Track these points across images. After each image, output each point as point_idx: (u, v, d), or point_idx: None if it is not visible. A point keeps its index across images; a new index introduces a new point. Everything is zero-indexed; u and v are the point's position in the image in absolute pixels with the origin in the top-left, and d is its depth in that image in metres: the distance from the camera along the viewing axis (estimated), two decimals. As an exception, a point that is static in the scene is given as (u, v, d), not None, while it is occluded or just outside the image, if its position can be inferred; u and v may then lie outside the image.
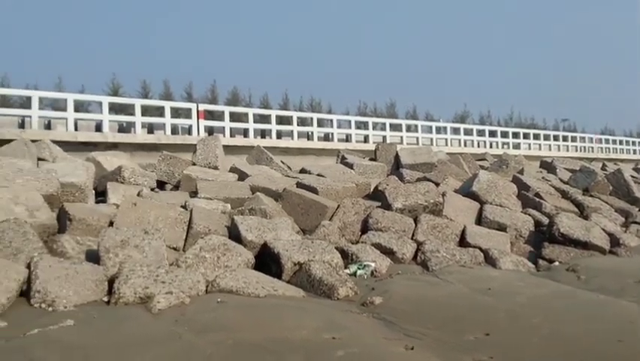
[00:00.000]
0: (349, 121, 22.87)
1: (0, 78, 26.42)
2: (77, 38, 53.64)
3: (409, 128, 24.91)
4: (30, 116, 14.86)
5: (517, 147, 28.80)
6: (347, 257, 6.89)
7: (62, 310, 4.88)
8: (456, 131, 27.23)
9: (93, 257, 6.01)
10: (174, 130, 17.44)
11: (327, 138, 21.32)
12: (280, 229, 7.13)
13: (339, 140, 21.18)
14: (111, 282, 5.42)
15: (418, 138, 24.20)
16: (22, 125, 15.00)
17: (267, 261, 6.56)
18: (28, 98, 15.66)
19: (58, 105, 20.80)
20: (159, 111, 19.12)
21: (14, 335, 4.19)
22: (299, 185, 9.25)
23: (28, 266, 5.33)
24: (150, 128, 17.20)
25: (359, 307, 5.48)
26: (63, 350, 3.81)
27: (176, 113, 18.56)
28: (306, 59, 69.14)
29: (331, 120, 22.06)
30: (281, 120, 20.58)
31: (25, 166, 8.06)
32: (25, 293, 5.20)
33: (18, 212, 6.31)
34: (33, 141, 10.38)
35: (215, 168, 10.18)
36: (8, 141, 10.93)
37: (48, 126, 15.40)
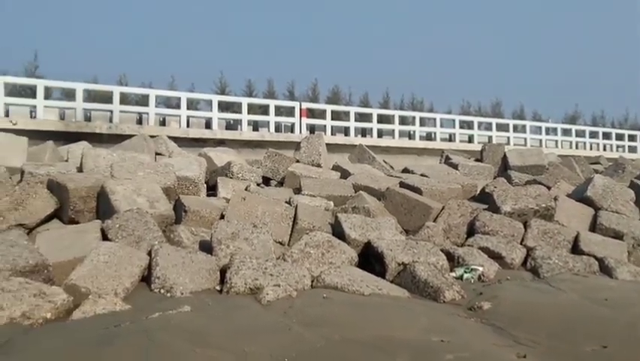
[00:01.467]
0: (453, 120, 22.36)
1: (119, 77, 28.47)
2: (188, 39, 56.33)
3: (516, 129, 23.98)
4: (147, 113, 15.85)
5: (633, 150, 26.86)
6: (453, 260, 6.75)
7: (179, 296, 5.18)
8: (567, 132, 25.84)
9: (206, 247, 6.32)
10: (277, 128, 17.90)
11: (429, 137, 21.00)
12: (384, 229, 7.12)
13: (442, 139, 20.78)
14: (223, 272, 5.68)
15: (525, 139, 23.23)
16: (139, 122, 16.04)
17: (370, 260, 6.57)
18: (146, 96, 16.71)
19: (171, 103, 22.06)
20: (262, 109, 19.75)
21: (138, 317, 4.49)
22: (402, 185, 9.18)
23: (149, 253, 5.70)
24: (255, 126, 17.78)
25: (466, 311, 5.35)
26: (182, 334, 4.02)
27: (279, 111, 19.04)
28: (406, 58, 68.41)
29: (434, 119, 21.71)
30: (381, 119, 20.53)
31: (145, 160, 8.63)
32: (145, 279, 5.57)
33: (140, 203, 6.75)
34: (151, 136, 11.06)
35: (319, 165, 10.33)
36: (128, 137, 11.74)
37: (163, 123, 16.35)
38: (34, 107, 14.76)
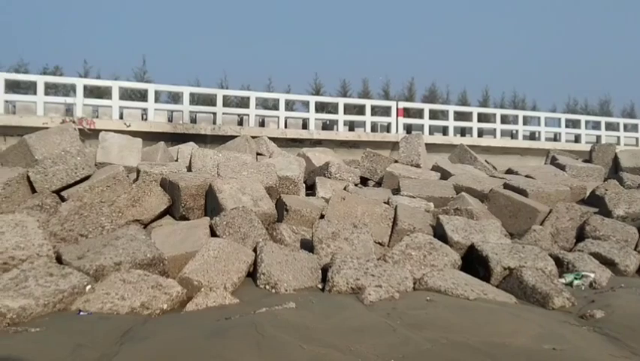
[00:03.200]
0: (558, 119, 21.26)
1: (220, 80, 29.63)
2: (282, 41, 57.61)
3: (626, 128, 22.42)
4: (248, 115, 16.36)
5: None
6: (562, 265, 6.44)
7: (284, 293, 5.32)
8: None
9: (307, 246, 6.44)
10: (374, 128, 17.86)
11: (532, 136, 20.12)
12: (488, 231, 6.93)
13: (547, 139, 19.83)
14: (324, 270, 5.76)
15: (637, 139, 21.66)
16: (240, 123, 16.58)
17: (473, 263, 6.41)
18: (246, 99, 17.27)
19: (267, 104, 22.63)
20: (357, 109, 19.76)
21: (246, 311, 4.66)
22: (506, 186, 8.88)
23: (254, 250, 5.91)
24: (351, 126, 17.84)
25: (577, 319, 5.09)
26: (289, 329, 4.13)
27: (374, 110, 18.97)
28: (507, 54, 65.94)
29: (538, 118, 20.75)
30: (482, 118, 19.92)
31: (247, 160, 8.93)
32: (251, 274, 5.77)
33: (245, 201, 7.00)
34: (252, 137, 11.42)
35: (418, 166, 10.22)
36: (230, 137, 12.20)
37: (262, 124, 16.80)
38: (145, 109, 15.67)
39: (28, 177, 7.65)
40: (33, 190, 7.63)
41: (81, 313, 4.56)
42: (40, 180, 7.61)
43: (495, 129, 19.23)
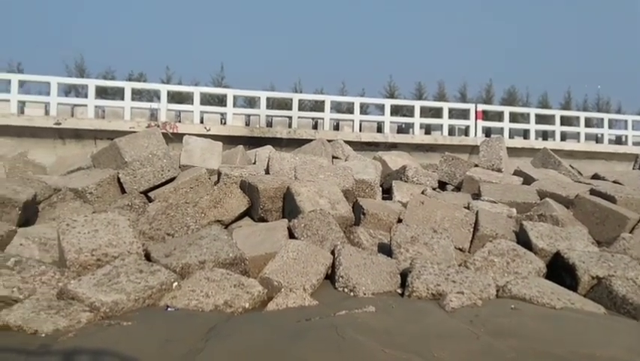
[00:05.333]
0: (647, 122, 20.12)
1: (294, 85, 30.06)
2: (357, 44, 57.62)
3: None
4: (322, 119, 16.50)
5: None
6: (656, 276, 6.05)
7: (362, 297, 5.31)
8: None
9: (385, 250, 6.40)
10: (451, 131, 17.54)
11: (618, 140, 19.11)
12: (574, 239, 6.63)
13: (635, 143, 18.78)
14: (403, 275, 5.70)
15: None
16: (315, 127, 16.75)
17: (559, 271, 6.15)
18: (321, 102, 17.42)
19: (341, 108, 22.70)
20: (432, 112, 19.48)
21: (325, 313, 4.68)
22: (592, 192, 8.46)
23: (332, 253, 5.93)
24: (427, 129, 17.61)
25: (674, 333, 4.77)
26: (370, 333, 4.12)
27: (450, 113, 18.62)
28: (589, 55, 63.00)
29: (624, 121, 19.70)
30: (564, 121, 19.12)
31: (323, 163, 8.99)
32: (329, 276, 5.80)
33: (322, 204, 7.05)
34: (328, 140, 11.49)
35: (499, 170, 9.93)
36: (305, 141, 12.34)
37: (336, 127, 16.90)
38: (224, 114, 16.14)
39: (118, 178, 8.06)
40: (123, 191, 8.03)
41: (168, 309, 4.74)
42: (129, 181, 8.01)
43: (579, 133, 18.42)
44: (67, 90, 20.48)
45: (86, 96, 15.54)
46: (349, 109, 19.41)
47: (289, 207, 7.28)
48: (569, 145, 17.71)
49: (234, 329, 4.27)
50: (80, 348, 3.74)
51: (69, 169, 9.12)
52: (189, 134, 10.76)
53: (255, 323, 4.45)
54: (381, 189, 9.28)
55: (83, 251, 5.31)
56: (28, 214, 6.96)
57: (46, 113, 14.60)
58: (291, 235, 6.44)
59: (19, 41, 43.37)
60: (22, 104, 14.60)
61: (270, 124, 16.40)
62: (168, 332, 4.17)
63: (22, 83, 15.24)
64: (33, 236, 6.14)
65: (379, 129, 17.10)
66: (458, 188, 9.76)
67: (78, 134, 14.28)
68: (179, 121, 15.54)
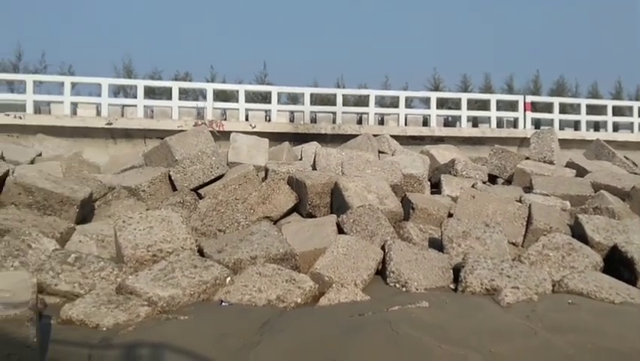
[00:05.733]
0: None
1: (337, 80, 30.00)
2: (400, 38, 57.07)
3: None
4: (367, 113, 16.42)
5: None
6: None
7: (414, 292, 5.27)
8: None
9: (435, 245, 6.33)
10: (499, 123, 17.18)
11: (675, 130, 18.31)
12: (632, 232, 6.42)
13: (693, 133, 17.98)
14: (455, 270, 5.63)
15: None
16: (359, 122, 16.67)
17: (616, 265, 5.97)
18: (365, 97, 17.35)
19: (384, 102, 22.54)
20: (478, 104, 19.08)
21: (378, 308, 4.67)
22: (650, 184, 8.16)
23: (382, 248, 5.90)
24: (474, 122, 17.29)
25: None
26: (424, 328, 4.08)
27: (498, 105, 18.22)
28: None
29: (682, 110, 18.85)
30: (615, 111, 18.45)
31: (370, 158, 8.95)
32: (380, 272, 5.78)
33: (370, 199, 7.02)
34: (374, 135, 11.43)
35: (551, 162, 9.68)
36: (349, 136, 12.30)
37: (381, 122, 16.77)
38: (268, 111, 16.25)
39: (169, 176, 8.23)
40: (174, 188, 8.20)
41: (223, 303, 4.81)
42: (180, 179, 8.17)
43: (632, 123, 17.77)
44: (116, 91, 21.01)
45: (134, 96, 15.89)
46: (393, 103, 19.19)
47: (337, 203, 7.28)
48: (622, 136, 17.07)
49: (288, 323, 4.31)
50: (141, 342, 3.84)
51: (122, 168, 9.36)
52: (235, 131, 10.88)
53: (309, 317, 4.47)
54: (429, 183, 9.18)
55: (139, 247, 5.45)
56: (85, 212, 7.18)
57: (98, 113, 14.99)
58: (340, 231, 6.43)
59: (69, 44, 44.74)
60: (74, 106, 15.05)
61: (314, 120, 16.41)
62: (224, 326, 4.24)
63: (73, 85, 15.71)
64: (91, 233, 6.34)
65: (425, 123, 16.88)
66: (509, 181, 9.58)
67: (128, 134, 14.61)
68: (225, 119, 15.71)
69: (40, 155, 10.37)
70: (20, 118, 13.83)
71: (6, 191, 6.74)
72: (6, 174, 6.88)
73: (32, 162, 9.68)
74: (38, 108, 14.91)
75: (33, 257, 5.35)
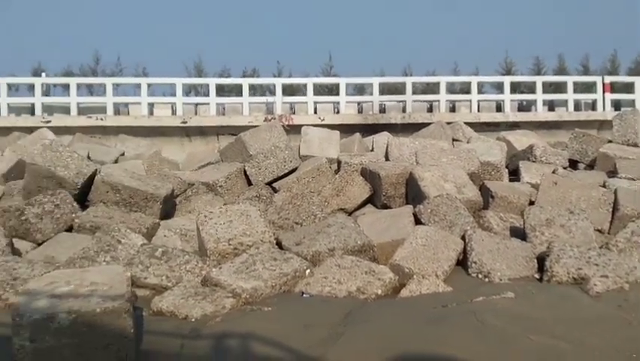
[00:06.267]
0: None
1: (404, 68, 29.70)
2: (471, 23, 55.53)
3: None
4: (438, 101, 16.13)
5: None
6: None
7: (498, 282, 5.15)
8: None
9: (517, 234, 6.16)
10: (576, 106, 16.45)
11: None
12: None
13: None
14: (539, 259, 5.45)
15: None
16: (430, 110, 16.41)
17: None
18: (436, 84, 17.06)
19: (454, 89, 22.06)
20: (553, 87, 18.35)
21: (461, 299, 4.59)
22: None
23: (463, 238, 5.79)
24: (550, 106, 16.64)
25: None
26: (511, 319, 3.98)
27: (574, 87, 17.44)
28: None
29: None
30: None
31: (445, 146, 8.80)
32: (460, 262, 5.67)
33: (447, 188, 6.90)
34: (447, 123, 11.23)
35: (635, 145, 9.18)
36: (420, 125, 12.13)
37: (452, 109, 16.44)
38: (337, 103, 16.28)
39: (244, 171, 8.42)
40: (249, 182, 8.38)
41: (304, 295, 4.87)
42: (255, 173, 8.34)
43: None
44: (188, 90, 21.68)
45: (205, 95, 16.34)
46: (463, 89, 18.79)
47: (413, 193, 7.21)
48: None
49: (371, 314, 4.32)
50: (229, 332, 3.95)
51: (199, 164, 9.66)
52: (305, 125, 10.97)
53: (391, 309, 4.46)
54: (507, 170, 8.93)
55: (221, 241, 5.60)
56: (168, 208, 7.45)
57: (173, 112, 15.53)
58: (417, 221, 6.36)
59: (142, 46, 46.57)
60: (151, 106, 15.65)
61: (383, 110, 16.29)
62: (307, 317, 4.29)
63: (149, 86, 16.33)
64: (174, 228, 6.58)
65: (498, 109, 16.42)
66: (591, 166, 9.16)
67: (202, 131, 15.04)
68: (294, 113, 15.89)
69: (123, 154, 10.86)
70: (102, 120, 14.53)
71: (94, 190, 7.09)
72: (94, 173, 7.24)
73: (116, 161, 10.15)
74: (117, 110, 15.61)
75: (123, 252, 5.60)
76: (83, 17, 48.28)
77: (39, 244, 6.29)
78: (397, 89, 17.75)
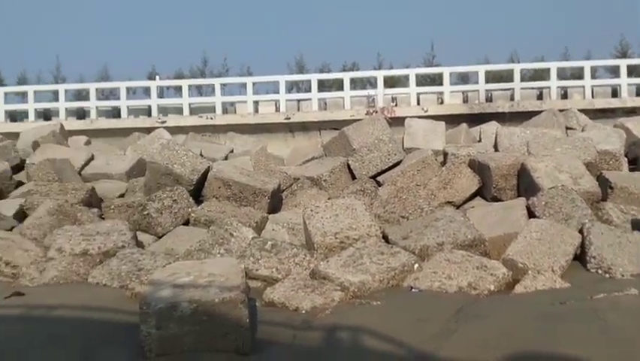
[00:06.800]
0: None
1: (510, 55, 28.45)
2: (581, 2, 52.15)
3: None
4: (549, 87, 15.34)
5: None
6: None
7: (620, 278, 4.84)
8: None
9: (639, 227, 5.73)
10: None
11: None
12: None
13: None
14: (668, 255, 5.04)
15: None
16: (539, 97, 15.63)
17: None
18: (545, 70, 16.20)
19: (564, 74, 20.79)
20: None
21: (580, 296, 4.34)
22: None
23: (580, 231, 5.47)
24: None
25: None
26: (636, 317, 3.72)
27: None
28: None
29: None
30: None
31: (558, 135, 8.34)
32: (577, 257, 5.37)
33: (562, 179, 6.55)
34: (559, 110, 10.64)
35: None
36: (529, 113, 11.59)
37: (564, 96, 15.57)
38: (440, 93, 15.94)
39: (348, 165, 8.47)
40: (353, 176, 8.42)
41: (413, 289, 4.82)
42: (358, 167, 8.37)
43: None
44: (290, 87, 22.14)
45: (306, 91, 16.61)
46: (574, 74, 17.66)
47: (525, 185, 6.91)
48: None
49: (484, 310, 4.18)
50: (339, 325, 3.99)
51: (303, 159, 9.84)
52: (407, 117, 10.83)
53: (505, 305, 4.30)
54: (626, 159, 8.32)
55: (327, 234, 5.68)
56: (275, 202, 7.67)
57: (277, 109, 15.94)
58: (531, 214, 6.09)
59: (246, 47, 48.16)
60: (256, 104, 16.16)
61: (489, 99, 15.75)
62: (417, 312, 4.24)
63: (253, 85, 16.86)
64: (282, 222, 6.76)
65: (614, 94, 15.32)
66: None
67: (305, 127, 15.32)
68: (396, 105, 15.75)
69: (232, 151, 11.30)
70: (211, 119, 15.23)
71: (207, 185, 7.45)
72: (207, 170, 7.59)
73: (226, 158, 10.58)
74: (225, 109, 16.27)
75: (235, 245, 5.83)
76: (192, 22, 50.77)
77: (159, 237, 6.70)
78: (503, 77, 17.05)
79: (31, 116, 16.46)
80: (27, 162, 9.32)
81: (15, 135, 12.07)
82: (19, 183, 8.91)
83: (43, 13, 51.54)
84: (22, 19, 48.19)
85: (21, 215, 7.26)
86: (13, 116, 17.03)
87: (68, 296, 4.80)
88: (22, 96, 17.88)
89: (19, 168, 9.53)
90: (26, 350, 3.59)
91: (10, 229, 6.73)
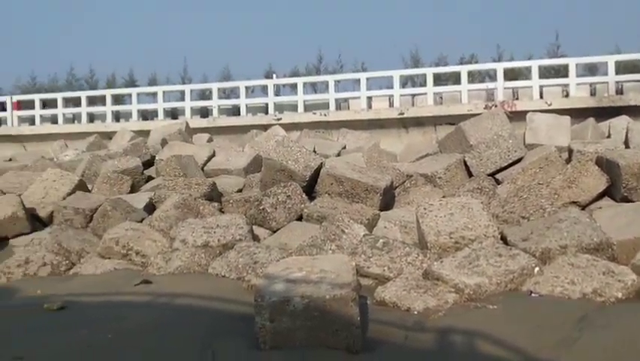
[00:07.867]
0: None
1: (614, 46, 26.11)
2: None
3: None
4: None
5: None
6: None
7: None
8: None
9: None
10: None
11: None
12: None
13: None
14: None
15: None
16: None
17: None
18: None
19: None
20: None
21: None
22: None
23: None
24: None
25: None
26: None
27: None
28: None
29: None
30: None
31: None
32: None
33: None
34: None
35: None
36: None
37: None
38: (565, 85, 15.01)
39: (464, 162, 8.21)
40: (469, 174, 8.15)
41: (532, 294, 4.58)
42: (475, 164, 8.08)
43: None
44: (405, 82, 21.90)
45: (421, 85, 16.32)
46: None
47: (660, 185, 6.31)
48: None
49: (611, 319, 3.89)
50: (453, 328, 3.89)
51: (417, 156, 9.68)
52: (529, 111, 10.30)
53: (635, 314, 3.97)
54: None
55: (442, 234, 5.54)
56: (387, 199, 7.61)
57: (390, 105, 15.83)
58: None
59: (361, 42, 48.33)
60: (369, 100, 16.16)
61: (619, 91, 14.58)
62: (536, 318, 4.03)
63: (367, 80, 16.86)
64: (394, 219, 6.70)
65: None
66: None
67: (419, 122, 15.08)
68: (517, 98, 15.05)
69: (344, 147, 11.38)
70: (325, 115, 15.45)
71: (320, 181, 7.55)
72: (320, 166, 7.71)
73: (338, 154, 10.67)
74: (339, 105, 16.44)
75: (346, 241, 5.86)
76: (307, 22, 51.91)
77: (274, 231, 6.90)
78: (636, 67, 15.69)
79: (161, 114, 17.70)
80: (156, 158, 10.00)
81: (146, 133, 13.03)
82: (149, 178, 9.57)
83: (170, 20, 55.21)
84: (155, 25, 51.94)
85: (150, 208, 7.79)
86: (145, 115, 18.44)
87: (191, 286, 5.10)
88: (153, 96, 19.29)
89: (149, 163, 10.23)
90: (153, 334, 3.85)
91: (141, 221, 7.23)
